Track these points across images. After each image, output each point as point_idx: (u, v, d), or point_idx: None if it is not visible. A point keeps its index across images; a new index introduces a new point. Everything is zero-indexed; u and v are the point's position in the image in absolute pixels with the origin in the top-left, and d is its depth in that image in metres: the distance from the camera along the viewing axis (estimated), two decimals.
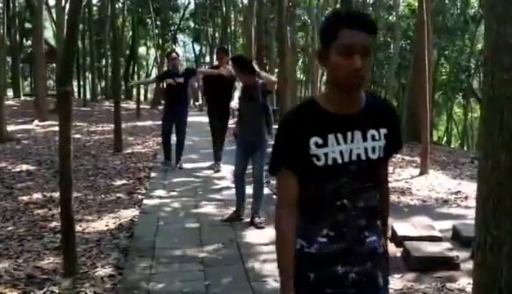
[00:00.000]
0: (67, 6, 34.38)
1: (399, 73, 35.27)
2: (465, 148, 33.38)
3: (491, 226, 3.55)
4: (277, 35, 21.11)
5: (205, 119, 10.81)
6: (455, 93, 36.28)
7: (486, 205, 3.57)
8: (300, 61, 41.19)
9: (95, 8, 37.43)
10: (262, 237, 5.91)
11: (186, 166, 10.04)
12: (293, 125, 2.09)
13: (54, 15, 31.67)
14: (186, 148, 10.54)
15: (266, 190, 8.58)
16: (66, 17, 35.45)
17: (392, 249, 6.04)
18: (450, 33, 31.71)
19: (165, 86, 10.30)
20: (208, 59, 47.30)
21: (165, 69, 12.86)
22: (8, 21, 29.89)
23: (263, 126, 6.68)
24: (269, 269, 4.99)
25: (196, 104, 34.15)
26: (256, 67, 7.14)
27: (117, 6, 28.08)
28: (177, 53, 10.89)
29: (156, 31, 39.56)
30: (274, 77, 8.14)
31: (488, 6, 3.41)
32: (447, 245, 5.95)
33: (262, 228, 6.34)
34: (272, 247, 5.48)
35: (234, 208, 6.83)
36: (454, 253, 5.65)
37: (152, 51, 46.71)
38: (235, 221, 6.59)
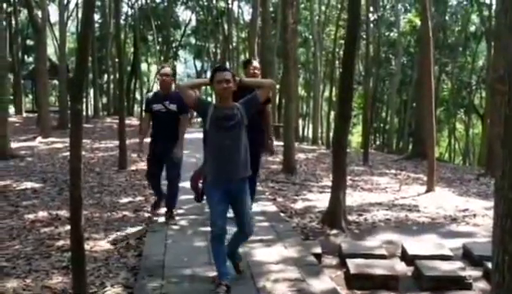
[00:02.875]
0: (69, 22, 34.70)
1: (400, 89, 35.43)
2: (467, 163, 33.36)
3: (510, 246, 3.50)
4: (280, 51, 21.21)
5: None
6: (457, 109, 36.37)
7: (504, 224, 3.53)
8: (301, 77, 41.29)
9: (96, 25, 37.56)
10: (271, 255, 5.86)
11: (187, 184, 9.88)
12: None
13: (56, 32, 31.90)
14: (190, 166, 9.99)
15: (271, 207, 8.57)
16: (72, 35, 35.33)
17: (403, 268, 6.02)
18: (451, 49, 31.87)
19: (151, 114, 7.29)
20: (209, 75, 47.47)
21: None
22: (10, 38, 30.04)
23: (249, 159, 4.94)
24: (280, 288, 4.94)
25: (198, 120, 34.20)
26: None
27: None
28: (173, 70, 7.68)
29: (158, 47, 39.82)
30: (265, 80, 6.34)
31: (507, 26, 3.40)
32: (459, 264, 5.91)
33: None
34: (283, 266, 5.49)
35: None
36: (466, 272, 5.62)
37: (154, 68, 46.94)
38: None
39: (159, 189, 7.54)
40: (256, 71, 7.26)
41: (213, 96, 6.74)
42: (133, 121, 28.93)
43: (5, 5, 15.14)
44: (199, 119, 34.61)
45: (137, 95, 41.90)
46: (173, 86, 7.57)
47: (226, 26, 38.72)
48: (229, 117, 4.76)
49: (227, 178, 4.79)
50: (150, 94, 7.79)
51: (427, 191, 10.93)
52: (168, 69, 7.24)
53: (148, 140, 7.37)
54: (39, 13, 22.23)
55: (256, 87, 5.16)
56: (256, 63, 7.54)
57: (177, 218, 7.42)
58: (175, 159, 7.10)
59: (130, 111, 38.18)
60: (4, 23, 15.25)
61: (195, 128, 26.21)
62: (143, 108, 8.26)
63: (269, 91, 5.31)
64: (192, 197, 8.50)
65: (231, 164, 4.77)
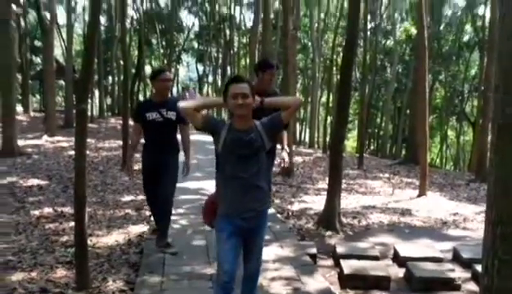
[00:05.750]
0: (75, 24, 34.72)
1: (395, 96, 35.49)
2: (458, 169, 33.41)
3: (500, 251, 3.52)
4: (280, 57, 21.24)
5: (207, 138, 9.64)
6: (449, 116, 36.44)
7: (495, 230, 3.55)
8: (300, 83, 41.29)
9: (102, 28, 37.57)
10: (268, 255, 5.87)
11: (192, 184, 9.89)
12: None
13: (63, 34, 31.91)
14: (191, 167, 9.72)
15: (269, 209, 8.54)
16: (78, 37, 35.24)
17: (395, 269, 6.04)
18: (444, 58, 31.93)
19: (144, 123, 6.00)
20: (210, 79, 47.50)
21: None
22: (19, 39, 30.02)
23: (268, 192, 4.13)
24: (276, 286, 4.98)
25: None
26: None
27: None
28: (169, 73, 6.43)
29: (161, 51, 39.87)
30: (292, 98, 4.73)
31: (504, 38, 3.42)
32: (448, 266, 5.97)
33: None
34: (279, 265, 5.50)
35: None
36: (455, 274, 5.66)
37: None
38: None
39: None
40: (273, 79, 6.25)
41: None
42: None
43: (14, 6, 15.16)
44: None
45: (141, 97, 41.93)
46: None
47: (227, 31, 38.78)
48: (248, 143, 3.74)
49: (241, 213, 3.79)
50: (143, 100, 6.45)
51: (419, 195, 10.96)
52: (169, 74, 6.25)
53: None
54: (47, 15, 22.25)
55: (280, 107, 3.96)
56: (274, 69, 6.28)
57: (176, 217, 7.33)
58: (173, 174, 6.04)
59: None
60: (14, 24, 15.24)
61: (195, 130, 26.20)
62: (132, 117, 6.58)
63: (295, 112, 4.19)
64: (191, 197, 8.49)
65: (246, 197, 3.78)
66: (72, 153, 14.16)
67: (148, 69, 42.10)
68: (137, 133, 6.14)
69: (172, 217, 7.33)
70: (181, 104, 3.85)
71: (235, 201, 3.79)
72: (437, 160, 39.43)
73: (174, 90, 43.98)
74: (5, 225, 7.33)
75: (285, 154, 5.78)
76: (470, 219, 8.88)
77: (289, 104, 3.89)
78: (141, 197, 9.50)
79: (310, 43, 34.39)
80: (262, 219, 3.94)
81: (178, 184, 6.09)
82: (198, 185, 9.98)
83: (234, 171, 3.76)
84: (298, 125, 38.30)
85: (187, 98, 5.80)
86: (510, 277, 3.46)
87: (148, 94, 39.51)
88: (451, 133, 41.23)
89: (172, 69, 40.63)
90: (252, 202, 3.80)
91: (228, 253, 3.71)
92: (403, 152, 27.67)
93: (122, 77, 25.66)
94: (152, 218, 6.77)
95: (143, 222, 7.61)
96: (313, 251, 6.29)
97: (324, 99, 35.83)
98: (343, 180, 10.36)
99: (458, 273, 5.82)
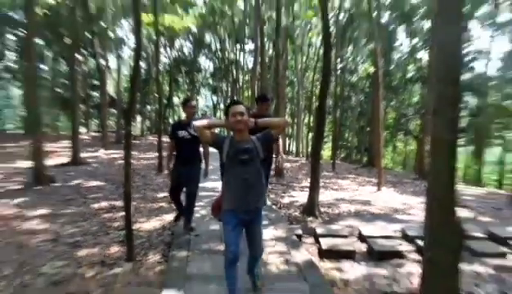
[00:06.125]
0: (123, 67, 34.82)
1: (359, 118, 35.54)
2: (405, 171, 33.33)
3: (438, 231, 3.57)
4: (273, 90, 21.32)
5: None
6: (398, 132, 36.49)
7: (433, 216, 3.60)
8: (288, 108, 41.30)
9: (142, 70, 37.70)
10: (266, 235, 5.90)
11: (209, 184, 9.86)
12: None
13: (114, 75, 32.03)
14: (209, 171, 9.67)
15: (266, 202, 8.56)
16: (125, 77, 35.19)
17: (359, 245, 6.06)
18: (394, 89, 32.01)
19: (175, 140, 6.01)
20: (222, 107, 47.51)
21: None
22: (82, 79, 30.11)
23: (264, 188, 3.90)
24: (272, 258, 5.03)
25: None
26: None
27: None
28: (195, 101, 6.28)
29: (186, 86, 40.00)
30: (279, 119, 3.98)
31: (440, 76, 3.49)
32: (398, 241, 5.98)
33: None
34: (274, 243, 5.51)
35: None
36: (403, 247, 5.69)
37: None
38: None
39: (182, 205, 6.27)
40: (268, 107, 6.33)
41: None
42: (167, 139, 28.94)
43: (78, 56, 15.36)
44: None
45: (170, 120, 42.02)
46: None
47: (234, 71, 38.81)
48: (246, 150, 3.68)
49: (244, 209, 3.73)
50: (174, 122, 6.30)
51: (377, 190, 10.97)
52: (194, 102, 6.15)
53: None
54: (102, 61, 22.38)
55: (271, 127, 3.84)
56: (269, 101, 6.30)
57: (198, 208, 7.29)
58: (196, 179, 5.97)
59: (166, 132, 38.17)
60: (77, 68, 15.38)
61: None
62: (169, 135, 6.22)
63: (283, 130, 3.95)
64: (209, 194, 8.44)
65: (248, 196, 3.72)
66: (121, 162, 14.20)
67: (176, 100, 42.19)
68: (171, 149, 6.09)
69: (195, 208, 7.40)
70: (195, 123, 3.79)
71: (238, 198, 3.71)
72: (390, 164, 39.39)
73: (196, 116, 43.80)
74: (74, 214, 7.37)
75: (279, 157, 6.27)
76: (414, 207, 8.89)
77: (278, 125, 3.81)
78: None
79: (295, 79, 34.51)
80: (260, 213, 3.87)
81: (199, 184, 6.10)
82: (214, 185, 9.99)
83: (237, 174, 3.70)
84: (287, 139, 38.35)
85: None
86: (446, 249, 3.52)
87: (176, 118, 39.59)
88: (399, 144, 41.24)
89: (195, 100, 40.68)
90: (252, 199, 3.73)
91: (233, 238, 3.67)
92: (365, 158, 27.68)
93: (157, 106, 25.83)
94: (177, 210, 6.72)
95: (173, 212, 7.62)
96: (299, 232, 6.32)
97: (306, 120, 35.82)
98: (321, 180, 10.39)
99: (405, 246, 5.85)
